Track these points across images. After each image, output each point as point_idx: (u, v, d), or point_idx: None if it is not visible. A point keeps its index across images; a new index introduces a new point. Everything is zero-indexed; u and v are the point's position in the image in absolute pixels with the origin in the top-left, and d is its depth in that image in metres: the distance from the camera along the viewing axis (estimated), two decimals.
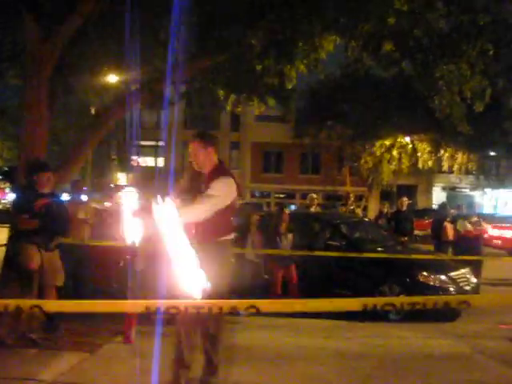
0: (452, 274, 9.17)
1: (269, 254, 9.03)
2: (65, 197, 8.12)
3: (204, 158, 4.67)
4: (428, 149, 34.80)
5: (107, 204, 12.20)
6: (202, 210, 4.47)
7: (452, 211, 12.90)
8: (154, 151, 44.93)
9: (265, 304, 3.90)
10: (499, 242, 21.87)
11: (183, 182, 4.94)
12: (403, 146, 35.22)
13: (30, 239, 6.30)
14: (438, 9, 7.73)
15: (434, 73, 8.23)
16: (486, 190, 40.42)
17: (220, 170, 4.71)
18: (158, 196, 3.70)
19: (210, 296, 3.67)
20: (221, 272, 4.53)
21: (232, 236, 4.87)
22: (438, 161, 35.80)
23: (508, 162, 38.31)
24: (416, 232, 17.00)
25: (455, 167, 36.07)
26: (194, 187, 4.78)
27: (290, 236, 9.26)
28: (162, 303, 3.59)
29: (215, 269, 4.44)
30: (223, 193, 4.57)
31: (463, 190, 42.69)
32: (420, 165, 35.15)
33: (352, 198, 14.80)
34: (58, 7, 7.10)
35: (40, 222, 6.31)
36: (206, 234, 4.62)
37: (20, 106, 7.48)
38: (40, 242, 6.34)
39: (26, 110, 7.17)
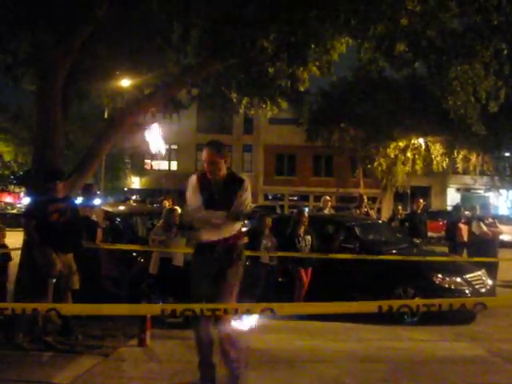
0: (467, 276, 9.09)
1: (290, 257, 9.07)
2: (78, 201, 8.16)
3: (221, 166, 4.86)
4: (442, 150, 34.64)
5: (121, 208, 12.23)
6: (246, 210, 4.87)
7: (466, 213, 12.80)
8: (168, 154, 45.08)
9: (281, 307, 3.90)
10: None
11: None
12: (417, 148, 35.08)
13: (47, 243, 6.35)
14: (451, 9, 7.69)
15: (447, 73, 8.17)
16: (500, 191, 40.07)
17: (235, 175, 4.99)
18: None
19: None
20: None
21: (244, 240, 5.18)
22: (452, 162, 35.63)
23: None
24: (430, 234, 16.91)
25: (470, 168, 35.87)
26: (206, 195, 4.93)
27: (308, 238, 9.28)
28: (177, 306, 3.60)
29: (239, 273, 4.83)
30: (249, 196, 4.92)
31: (478, 191, 42.37)
32: (434, 166, 34.99)
33: (366, 200, 14.70)
34: (71, 13, 7.14)
35: (55, 226, 6.37)
36: (232, 238, 4.89)
37: (34, 111, 7.52)
38: (56, 245, 6.38)
39: (40, 115, 7.23)
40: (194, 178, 5.00)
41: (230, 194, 4.82)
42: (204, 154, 4.87)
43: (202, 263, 4.96)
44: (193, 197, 4.91)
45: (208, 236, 4.90)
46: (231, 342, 4.83)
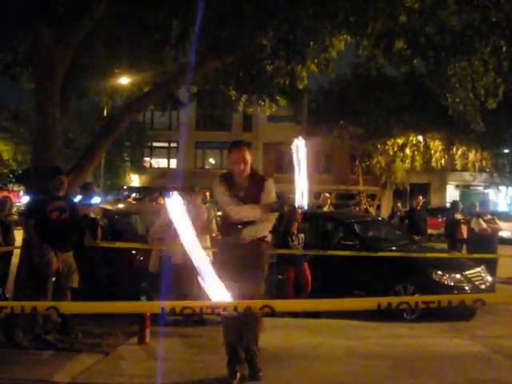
0: (467, 272, 9.10)
1: (281, 254, 9.02)
2: (77, 199, 8.16)
3: (248, 163, 5.03)
4: (441, 147, 34.67)
5: (120, 206, 12.22)
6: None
7: (460, 215, 12.79)
8: (167, 152, 45.13)
9: (281, 304, 3.91)
10: None
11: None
12: (416, 145, 35.10)
13: (46, 242, 6.36)
14: (450, 6, 7.68)
15: (446, 70, 8.17)
16: (500, 187, 40.09)
17: (258, 174, 5.20)
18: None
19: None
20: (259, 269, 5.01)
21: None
22: (451, 159, 35.65)
23: None
24: (429, 231, 16.93)
25: (468, 165, 35.89)
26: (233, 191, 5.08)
27: (301, 236, 9.24)
28: (176, 304, 3.60)
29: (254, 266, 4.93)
30: (274, 192, 5.08)
31: (477, 187, 42.39)
32: (433, 163, 35.02)
33: (365, 198, 14.75)
34: (69, 10, 7.13)
35: (54, 224, 6.38)
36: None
37: (33, 109, 7.51)
38: (55, 244, 6.39)
39: (39, 113, 7.21)
40: (217, 180, 5.16)
41: (254, 193, 4.98)
42: (234, 154, 4.98)
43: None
44: (223, 198, 5.07)
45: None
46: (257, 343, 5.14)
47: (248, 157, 5.00)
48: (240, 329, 5.07)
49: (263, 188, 5.03)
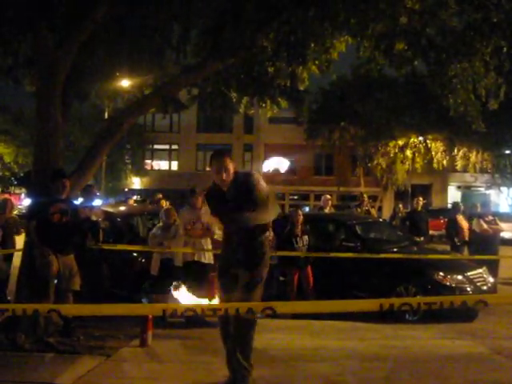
0: (468, 273, 9.09)
1: (284, 256, 9.02)
2: (78, 202, 8.17)
3: (230, 172, 4.88)
4: (442, 148, 34.67)
5: (122, 208, 12.23)
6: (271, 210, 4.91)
7: (462, 208, 12.79)
8: (168, 155, 45.16)
9: (283, 305, 3.91)
10: None
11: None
12: (417, 146, 35.11)
13: (47, 244, 6.36)
14: (451, 7, 7.68)
15: (447, 71, 8.17)
16: (501, 188, 40.06)
17: (241, 173, 4.98)
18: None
19: None
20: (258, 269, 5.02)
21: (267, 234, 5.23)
22: (453, 160, 35.65)
23: None
24: (431, 232, 16.93)
25: (470, 166, 35.89)
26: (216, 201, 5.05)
27: (305, 237, 9.24)
28: (178, 306, 3.60)
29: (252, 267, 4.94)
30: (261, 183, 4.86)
31: (478, 188, 42.36)
32: (435, 164, 35.02)
33: (366, 199, 14.74)
34: (70, 13, 7.14)
35: (56, 227, 6.38)
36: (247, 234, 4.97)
37: (35, 112, 7.51)
38: (56, 246, 6.39)
39: (40, 116, 7.22)
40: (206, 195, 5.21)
41: (244, 193, 4.79)
42: (215, 165, 4.86)
43: None
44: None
45: None
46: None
47: (230, 165, 4.84)
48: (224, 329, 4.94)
49: (250, 186, 4.78)
